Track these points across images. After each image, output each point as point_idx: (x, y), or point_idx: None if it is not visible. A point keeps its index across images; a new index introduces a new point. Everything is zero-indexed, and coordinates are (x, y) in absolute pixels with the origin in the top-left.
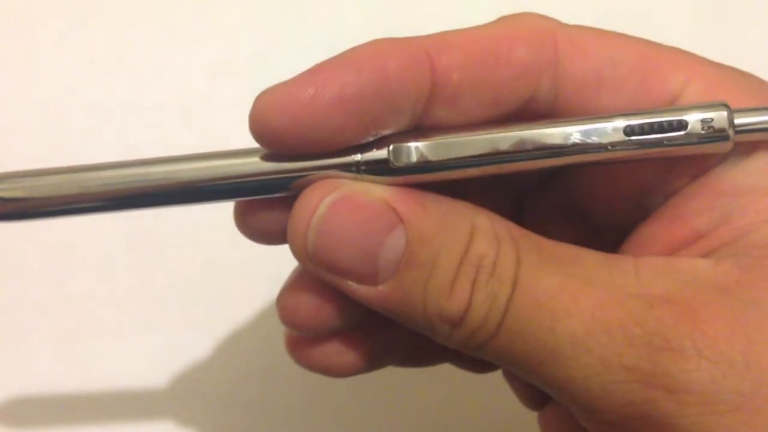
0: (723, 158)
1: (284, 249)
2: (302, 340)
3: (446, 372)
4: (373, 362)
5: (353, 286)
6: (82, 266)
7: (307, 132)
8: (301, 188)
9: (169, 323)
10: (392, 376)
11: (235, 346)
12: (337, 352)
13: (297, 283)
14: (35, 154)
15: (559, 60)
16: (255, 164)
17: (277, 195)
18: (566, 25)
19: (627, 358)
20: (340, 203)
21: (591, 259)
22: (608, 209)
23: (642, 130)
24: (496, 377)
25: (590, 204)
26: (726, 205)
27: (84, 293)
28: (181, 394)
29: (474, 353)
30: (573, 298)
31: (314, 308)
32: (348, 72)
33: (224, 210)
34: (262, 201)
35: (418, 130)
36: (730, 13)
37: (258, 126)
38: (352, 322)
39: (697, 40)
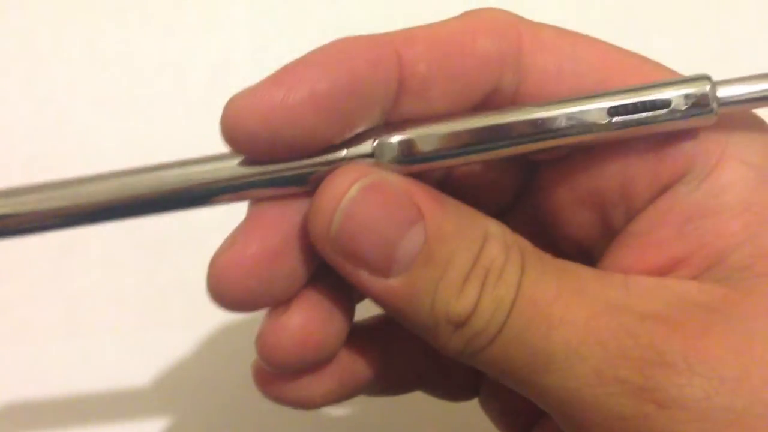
0: (681, 176)
1: None
2: (272, 375)
3: None
4: (343, 393)
5: (364, 277)
6: (83, 265)
7: (279, 134)
8: (297, 183)
9: (171, 322)
10: None
11: (237, 345)
12: (308, 384)
13: (277, 321)
14: (35, 153)
15: (522, 52)
16: (236, 168)
17: (267, 194)
18: (530, 21)
19: (621, 370)
20: (372, 188)
21: (585, 272)
22: (572, 223)
23: (626, 110)
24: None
25: (556, 220)
26: (697, 229)
27: (85, 292)
28: (182, 393)
29: (468, 360)
30: (568, 306)
31: (298, 345)
32: (316, 71)
33: (228, 210)
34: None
35: (392, 125)
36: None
37: (229, 132)
38: (333, 354)
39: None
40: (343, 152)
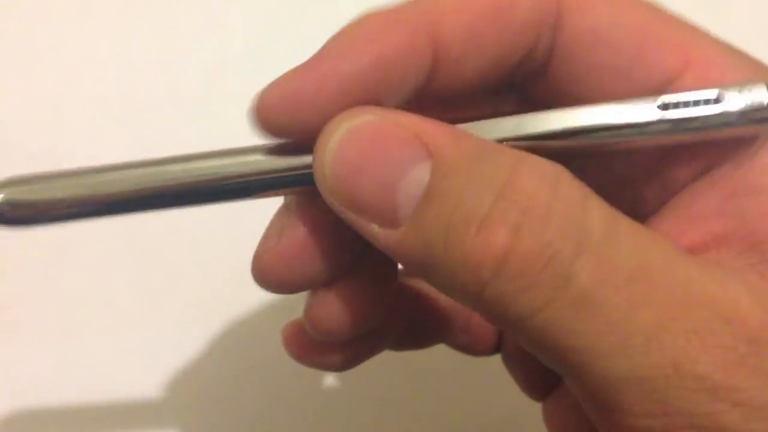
0: (726, 155)
1: None
2: (302, 340)
3: (445, 371)
4: (371, 350)
5: (375, 230)
6: (78, 266)
7: (313, 124)
8: None
9: (165, 322)
10: (392, 375)
11: (232, 345)
12: (334, 352)
13: (325, 295)
14: (33, 153)
15: (560, 15)
16: (267, 161)
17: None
18: None
19: (701, 366)
20: (361, 128)
21: (667, 244)
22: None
23: (677, 105)
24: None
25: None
26: (740, 207)
27: (80, 293)
28: (177, 393)
29: (511, 325)
30: (653, 287)
31: (346, 319)
32: (349, 60)
33: (221, 209)
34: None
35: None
36: None
37: (263, 122)
38: (377, 323)
39: None
40: None
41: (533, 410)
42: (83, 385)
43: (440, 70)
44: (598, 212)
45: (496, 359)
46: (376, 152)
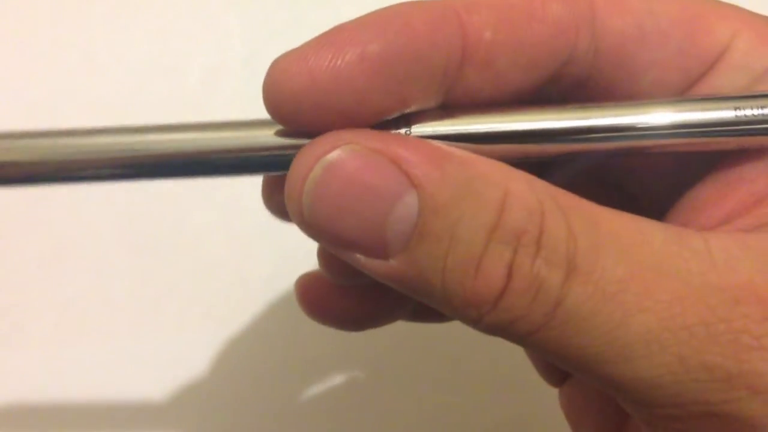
0: None
1: (280, 251)
2: (316, 296)
3: (450, 367)
4: (384, 315)
5: (362, 260)
6: (77, 269)
7: (327, 100)
8: None
9: (165, 325)
10: (393, 376)
11: (232, 347)
12: (350, 304)
13: None
14: None
15: (596, 14)
16: (270, 137)
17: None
18: None
19: (710, 356)
20: (338, 164)
21: (657, 236)
22: (647, 175)
23: (753, 104)
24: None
25: (624, 168)
26: None
27: (79, 296)
28: (177, 396)
29: (512, 340)
30: (646, 289)
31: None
32: (370, 31)
33: (220, 211)
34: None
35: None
36: None
37: (272, 96)
38: None
39: None
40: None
41: (539, 409)
42: (84, 387)
43: (471, 62)
44: (580, 227)
45: (502, 357)
46: (358, 191)
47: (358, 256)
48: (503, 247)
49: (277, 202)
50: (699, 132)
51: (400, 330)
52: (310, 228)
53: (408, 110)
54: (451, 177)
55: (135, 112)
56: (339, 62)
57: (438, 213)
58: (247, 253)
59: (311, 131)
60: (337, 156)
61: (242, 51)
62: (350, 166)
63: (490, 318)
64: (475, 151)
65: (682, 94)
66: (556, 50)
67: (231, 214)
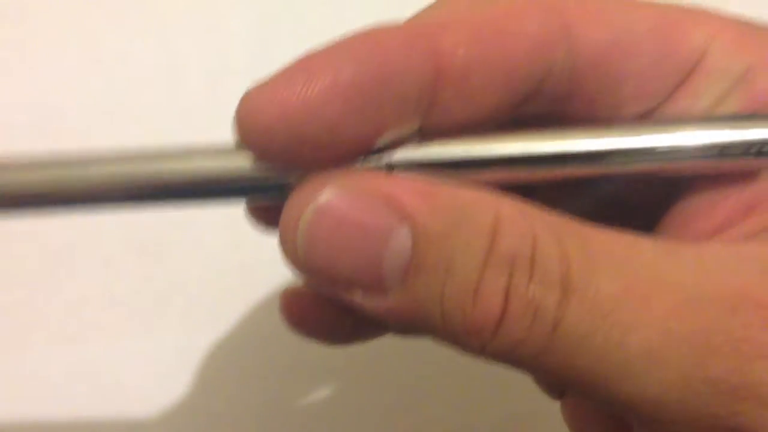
0: None
1: None
2: (300, 308)
3: (449, 367)
4: (372, 330)
5: (360, 299)
6: (81, 269)
7: (299, 130)
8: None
9: (169, 326)
10: (394, 378)
11: (236, 348)
12: (336, 319)
13: None
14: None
15: (571, 28)
16: (246, 168)
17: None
18: None
19: (712, 369)
20: (330, 205)
21: (649, 250)
22: (635, 186)
23: None
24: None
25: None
26: None
27: (84, 296)
28: (181, 396)
29: (518, 367)
30: (642, 305)
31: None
32: (341, 57)
33: (225, 211)
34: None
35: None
36: None
37: (244, 128)
38: None
39: None
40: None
41: (542, 409)
42: (85, 388)
43: (446, 81)
44: (572, 247)
45: None
46: (351, 230)
47: (357, 295)
48: (498, 272)
49: (261, 220)
50: (701, 155)
51: None
52: (308, 270)
53: (384, 137)
54: (442, 207)
55: (139, 113)
56: (309, 92)
57: (432, 243)
58: (253, 252)
59: (286, 162)
60: (327, 198)
61: (246, 52)
62: (341, 206)
63: (492, 346)
64: (461, 179)
65: (663, 102)
66: (532, 65)
67: (236, 215)
